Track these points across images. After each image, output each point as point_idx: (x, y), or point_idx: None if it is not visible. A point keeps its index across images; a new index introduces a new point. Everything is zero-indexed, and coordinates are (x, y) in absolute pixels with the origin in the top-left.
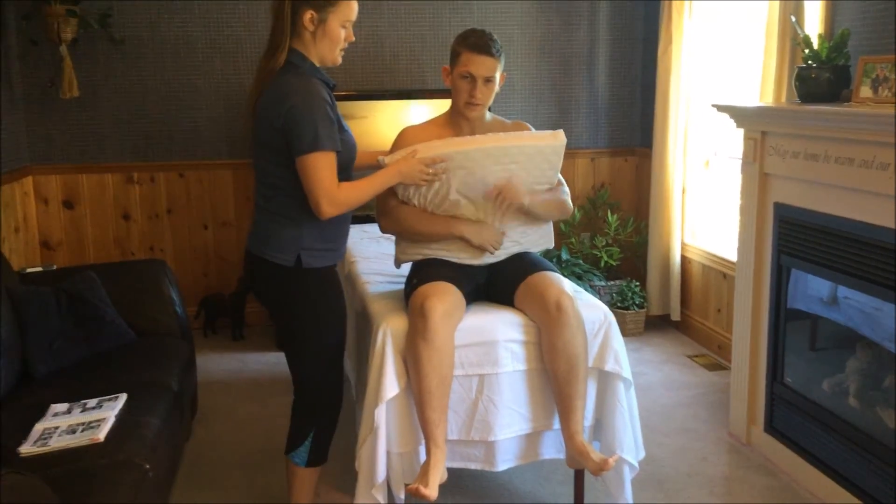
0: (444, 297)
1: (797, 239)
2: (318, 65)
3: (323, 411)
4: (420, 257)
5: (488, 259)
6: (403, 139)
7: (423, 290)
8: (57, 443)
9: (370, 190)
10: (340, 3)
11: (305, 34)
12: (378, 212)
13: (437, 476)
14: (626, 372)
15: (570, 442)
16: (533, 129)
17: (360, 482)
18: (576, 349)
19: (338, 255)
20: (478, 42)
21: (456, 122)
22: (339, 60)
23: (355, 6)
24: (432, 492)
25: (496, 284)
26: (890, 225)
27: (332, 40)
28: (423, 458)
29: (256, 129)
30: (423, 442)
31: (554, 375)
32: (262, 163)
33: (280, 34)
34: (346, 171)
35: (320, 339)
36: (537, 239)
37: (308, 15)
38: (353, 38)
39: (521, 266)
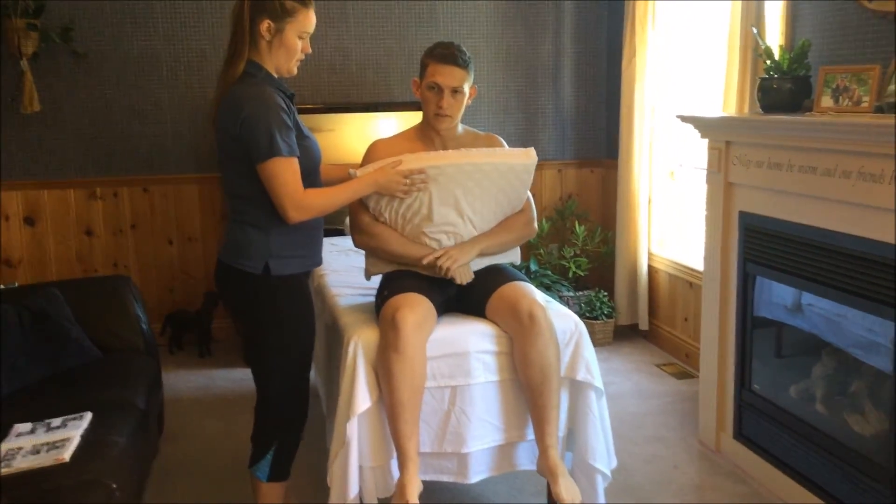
0: (415, 309)
1: (762, 247)
2: (274, 75)
3: (286, 426)
4: (390, 269)
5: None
6: (374, 153)
7: (394, 301)
8: (21, 463)
9: (341, 197)
10: (298, 14)
11: (262, 43)
12: (352, 227)
13: (416, 491)
14: (598, 381)
15: (544, 456)
16: (505, 144)
17: (332, 497)
18: (549, 359)
19: (310, 263)
20: (444, 52)
21: (427, 136)
22: (295, 71)
23: (313, 18)
24: None
25: (467, 296)
26: (854, 232)
27: (289, 51)
28: (395, 472)
29: (218, 141)
30: (395, 456)
31: (527, 386)
32: (227, 173)
33: (238, 43)
34: (311, 176)
35: (286, 350)
36: (505, 254)
37: (265, 24)
38: (310, 50)
39: (492, 277)
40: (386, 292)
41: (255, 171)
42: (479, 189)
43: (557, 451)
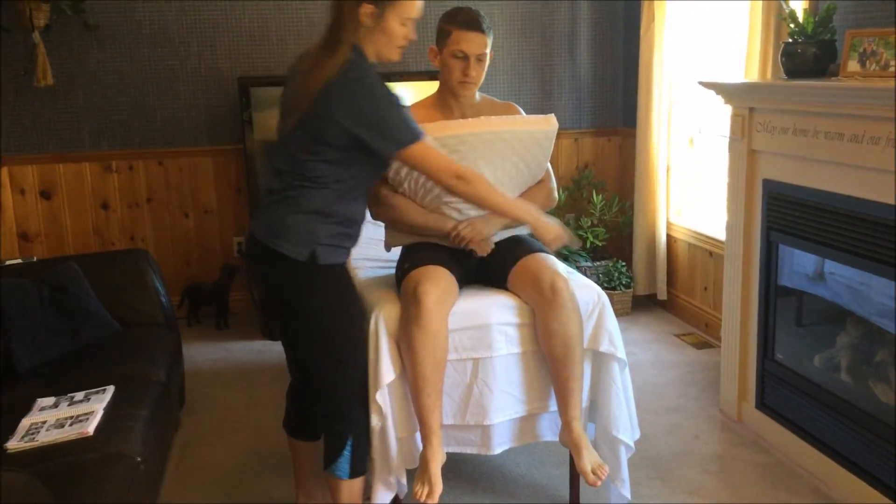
0: (436, 281)
1: (787, 215)
2: (373, 60)
3: (357, 414)
4: (411, 241)
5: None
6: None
7: (415, 274)
8: (45, 438)
9: (499, 198)
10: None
11: (361, 29)
12: (371, 199)
13: (438, 465)
14: (621, 352)
15: (567, 429)
16: (523, 112)
17: (377, 469)
18: (571, 331)
19: (347, 255)
20: (468, 19)
21: (446, 104)
22: (396, 57)
23: (418, 4)
24: (437, 488)
25: (489, 267)
26: (883, 200)
27: (390, 37)
28: (419, 444)
29: (306, 122)
30: (419, 428)
31: (550, 358)
32: (301, 154)
33: (340, 30)
34: (384, 166)
35: (341, 339)
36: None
37: (366, 9)
38: (415, 37)
39: (514, 249)
40: (407, 265)
41: (343, 158)
42: (500, 158)
43: (580, 424)
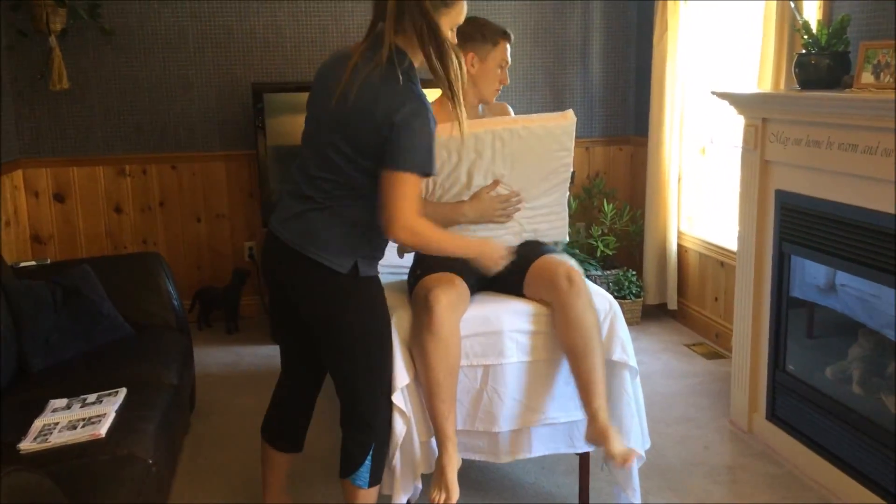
0: (448, 288)
1: (799, 226)
2: (416, 64)
3: (381, 425)
4: None
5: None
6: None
7: (427, 281)
8: (57, 439)
9: (448, 245)
10: (454, 7)
11: (409, 30)
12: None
13: (455, 471)
14: (633, 361)
15: (593, 421)
16: (512, 112)
17: (399, 473)
18: (589, 321)
19: (377, 266)
20: (506, 31)
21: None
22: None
23: (465, 10)
24: (454, 494)
25: (502, 273)
26: (894, 211)
27: (447, 49)
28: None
29: (346, 126)
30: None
31: (571, 352)
32: (339, 159)
33: (383, 31)
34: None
35: (375, 350)
36: (547, 229)
37: (447, 24)
38: (456, 42)
39: (526, 253)
40: (419, 271)
41: (376, 168)
42: (517, 155)
43: (606, 413)
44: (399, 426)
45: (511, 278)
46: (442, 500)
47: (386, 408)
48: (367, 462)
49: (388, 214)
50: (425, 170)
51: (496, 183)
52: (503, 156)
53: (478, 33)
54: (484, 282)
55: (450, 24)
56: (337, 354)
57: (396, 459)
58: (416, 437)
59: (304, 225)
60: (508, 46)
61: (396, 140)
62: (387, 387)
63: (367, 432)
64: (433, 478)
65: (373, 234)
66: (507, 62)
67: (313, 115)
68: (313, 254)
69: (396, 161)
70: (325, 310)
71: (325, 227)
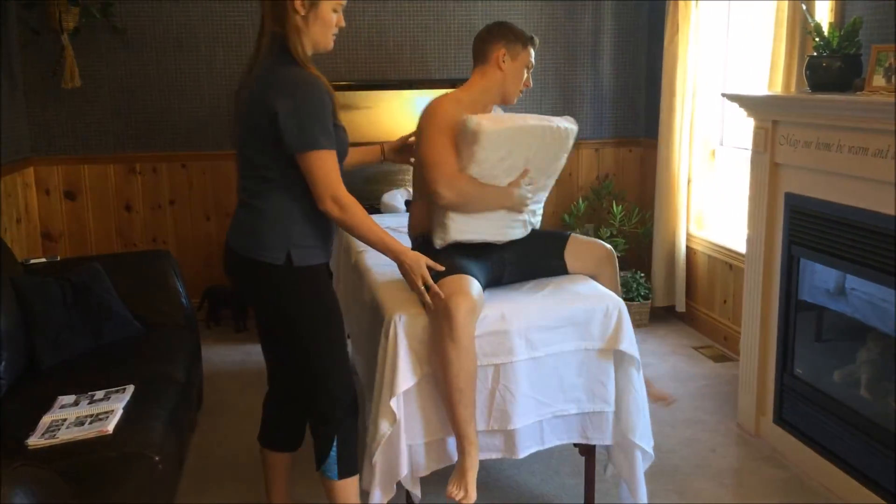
0: (467, 294)
1: (809, 229)
2: (309, 51)
3: (341, 414)
4: (471, 237)
5: (511, 235)
6: (443, 115)
7: (446, 285)
8: (65, 435)
9: (370, 232)
10: None
11: (296, 18)
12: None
13: (475, 475)
14: (637, 354)
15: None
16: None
17: (378, 477)
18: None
19: (324, 255)
20: (533, 37)
21: (465, 103)
22: (332, 45)
23: None
24: (472, 496)
25: (529, 256)
26: None
27: (325, 25)
28: (450, 448)
29: (247, 119)
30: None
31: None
32: (251, 153)
33: (269, 18)
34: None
35: (325, 341)
36: (536, 224)
37: (298, 1)
38: (344, 24)
39: (545, 238)
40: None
41: (285, 155)
42: (549, 151)
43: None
44: (384, 427)
45: (546, 254)
46: (459, 498)
47: (345, 399)
48: (333, 453)
49: (315, 194)
50: (329, 143)
51: (526, 172)
52: (545, 150)
53: (510, 33)
54: (505, 270)
55: (331, 5)
56: (286, 348)
57: (377, 458)
58: (404, 440)
59: (239, 226)
60: (533, 51)
61: (294, 122)
62: (343, 377)
63: (327, 425)
64: (453, 475)
65: (303, 222)
66: (532, 65)
67: (234, 120)
68: (249, 251)
69: (296, 144)
70: (268, 303)
71: (253, 223)
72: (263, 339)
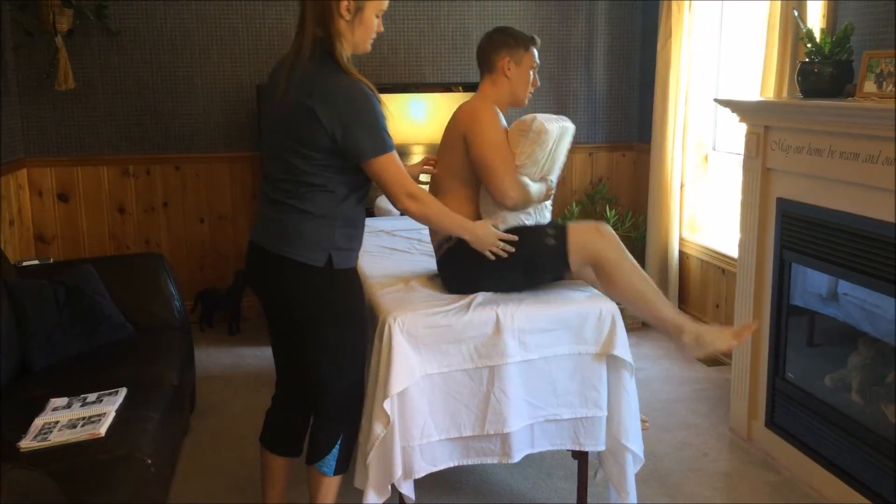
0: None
1: (800, 234)
2: (348, 54)
3: (351, 416)
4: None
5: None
6: (493, 118)
7: (584, 224)
8: (57, 437)
9: (445, 220)
10: None
11: (341, 23)
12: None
13: (703, 327)
14: (630, 358)
15: (680, 336)
16: None
17: (372, 478)
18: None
19: (356, 258)
20: (534, 37)
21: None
22: (370, 49)
23: None
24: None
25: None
26: (894, 220)
27: (367, 29)
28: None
29: (295, 129)
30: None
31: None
32: (297, 161)
33: (313, 22)
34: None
35: (349, 342)
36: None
37: (345, 4)
38: (382, 29)
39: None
40: (551, 230)
41: (333, 159)
42: (556, 148)
43: (689, 324)
44: (378, 429)
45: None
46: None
47: (358, 399)
48: (335, 451)
49: (390, 193)
50: (389, 144)
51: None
52: (563, 148)
53: (511, 38)
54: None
55: (375, 10)
56: (315, 347)
57: (371, 460)
58: (398, 442)
59: (276, 227)
60: (536, 51)
61: (351, 138)
62: (362, 379)
63: (336, 424)
64: (720, 331)
65: (343, 225)
66: (536, 64)
67: (266, 122)
68: (288, 252)
69: (367, 153)
70: (304, 305)
71: (296, 225)
72: (279, 340)
